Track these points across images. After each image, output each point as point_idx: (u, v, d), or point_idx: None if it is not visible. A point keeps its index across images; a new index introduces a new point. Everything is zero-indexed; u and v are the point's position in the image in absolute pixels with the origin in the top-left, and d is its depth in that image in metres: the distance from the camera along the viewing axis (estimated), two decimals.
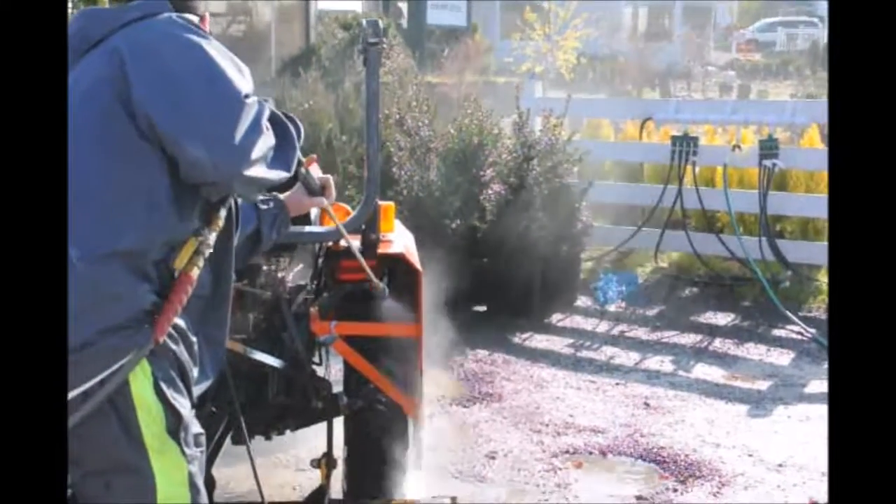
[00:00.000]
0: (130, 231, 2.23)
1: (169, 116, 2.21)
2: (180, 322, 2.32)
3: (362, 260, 3.43)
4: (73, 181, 2.18)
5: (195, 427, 2.38)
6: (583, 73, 25.31)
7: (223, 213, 2.42)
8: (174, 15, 2.36)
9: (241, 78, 2.31)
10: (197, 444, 2.36)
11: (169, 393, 2.25)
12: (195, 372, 2.39)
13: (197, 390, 2.42)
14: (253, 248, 2.95)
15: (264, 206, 2.94)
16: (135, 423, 2.20)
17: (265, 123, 2.32)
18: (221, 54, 2.32)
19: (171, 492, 2.25)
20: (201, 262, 2.33)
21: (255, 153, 2.26)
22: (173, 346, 2.28)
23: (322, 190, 3.06)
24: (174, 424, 2.25)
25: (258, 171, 2.29)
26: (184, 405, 2.30)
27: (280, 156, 2.39)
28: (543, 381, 6.37)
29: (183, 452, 2.27)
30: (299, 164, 2.76)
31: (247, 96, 2.29)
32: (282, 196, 3.02)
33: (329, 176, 3.14)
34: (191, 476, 2.29)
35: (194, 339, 2.38)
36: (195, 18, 2.40)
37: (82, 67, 2.33)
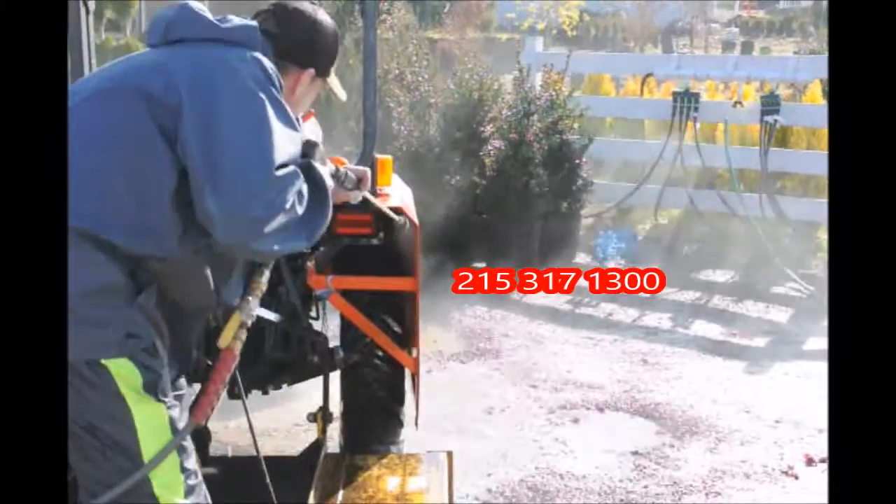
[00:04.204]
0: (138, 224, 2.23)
1: (200, 159, 2.19)
2: (158, 343, 2.30)
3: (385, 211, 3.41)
4: (90, 169, 2.20)
5: (176, 389, 2.40)
6: (585, 30, 25.17)
7: (264, 279, 2.43)
8: (258, 55, 2.34)
9: (288, 144, 2.27)
10: (175, 390, 2.37)
11: (147, 361, 2.26)
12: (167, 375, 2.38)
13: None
14: None
15: None
16: (112, 382, 2.22)
17: (293, 197, 2.27)
18: (279, 113, 2.28)
19: (152, 436, 2.26)
20: (244, 335, 2.34)
21: (269, 227, 2.21)
22: (150, 362, 2.28)
23: (358, 182, 3.03)
24: (151, 384, 2.26)
25: (266, 245, 2.25)
26: (160, 372, 2.30)
27: (304, 226, 2.35)
28: (541, 338, 6.39)
29: (160, 401, 2.29)
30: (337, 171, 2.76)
31: (284, 165, 2.25)
32: None
33: (367, 168, 3.11)
34: (171, 420, 2.30)
35: (166, 350, 2.36)
36: (281, 76, 2.39)
37: (145, 58, 2.38)
